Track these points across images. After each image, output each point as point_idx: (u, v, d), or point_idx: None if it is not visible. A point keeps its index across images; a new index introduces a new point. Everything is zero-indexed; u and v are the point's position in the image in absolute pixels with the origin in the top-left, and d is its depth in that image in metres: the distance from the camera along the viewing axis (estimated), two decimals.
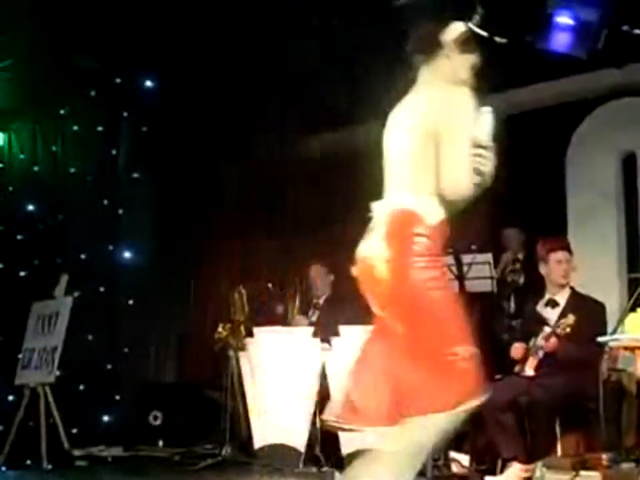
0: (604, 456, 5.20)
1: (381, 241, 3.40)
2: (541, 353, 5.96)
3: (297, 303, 7.50)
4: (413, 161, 3.41)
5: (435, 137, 3.33)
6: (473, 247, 7.02)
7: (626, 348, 4.44)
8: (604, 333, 5.14)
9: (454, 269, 6.87)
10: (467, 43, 3.51)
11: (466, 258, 6.88)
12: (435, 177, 3.36)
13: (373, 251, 3.41)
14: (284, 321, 7.46)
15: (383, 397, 3.33)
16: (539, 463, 5.65)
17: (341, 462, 6.12)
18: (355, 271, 3.50)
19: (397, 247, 3.35)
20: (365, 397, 3.37)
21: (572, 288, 6.21)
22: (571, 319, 5.83)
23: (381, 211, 3.49)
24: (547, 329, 5.95)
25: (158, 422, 8.06)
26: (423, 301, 3.35)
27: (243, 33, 7.89)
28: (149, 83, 8.96)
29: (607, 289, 7.03)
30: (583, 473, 5.20)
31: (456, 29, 3.49)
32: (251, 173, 9.11)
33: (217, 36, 7.95)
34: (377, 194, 3.53)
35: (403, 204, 3.42)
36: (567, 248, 6.17)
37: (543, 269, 6.22)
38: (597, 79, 7.66)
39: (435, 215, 3.38)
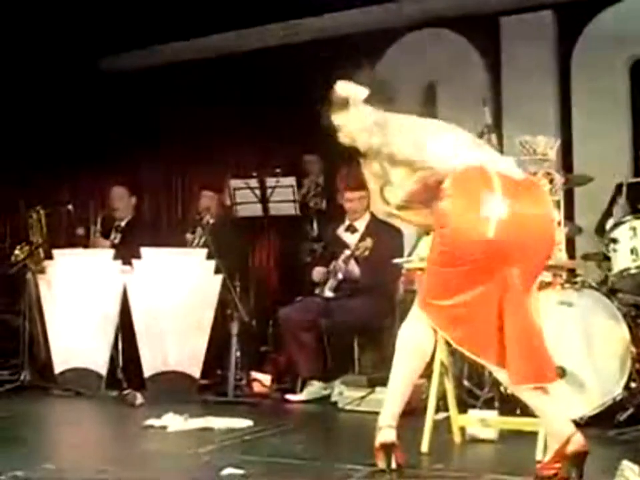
0: None
1: (551, 202, 3.64)
2: (340, 275, 6.13)
3: (99, 225, 7.35)
4: None
5: None
6: (277, 171, 7.07)
7: (421, 269, 4.60)
8: (401, 256, 5.32)
9: (258, 192, 6.94)
10: None
11: (270, 181, 6.94)
12: None
13: (550, 212, 3.60)
14: (85, 243, 7.30)
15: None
16: (338, 381, 5.85)
17: (142, 384, 6.12)
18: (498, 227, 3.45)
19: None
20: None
21: (372, 214, 6.39)
22: (369, 242, 6.04)
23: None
24: (347, 252, 6.13)
25: None
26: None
27: None
28: None
29: None
30: (378, 389, 5.41)
31: None
32: (46, 92, 8.75)
33: None
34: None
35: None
36: (359, 187, 6.16)
37: (340, 200, 6.38)
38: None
39: None
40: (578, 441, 3.36)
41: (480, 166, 3.50)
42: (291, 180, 6.95)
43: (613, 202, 5.74)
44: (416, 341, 3.68)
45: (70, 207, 7.23)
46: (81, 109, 8.72)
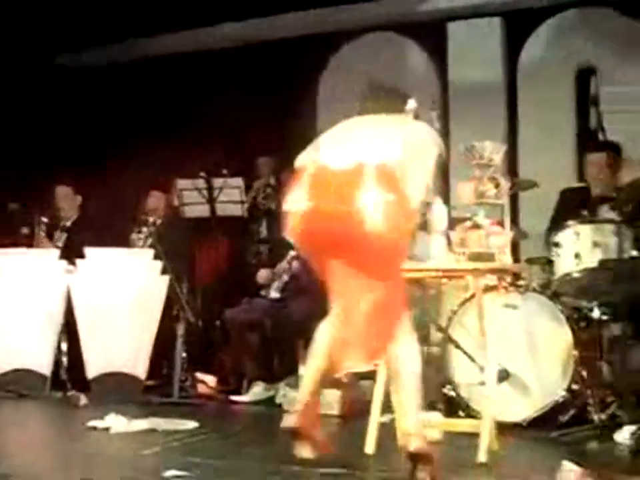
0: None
1: (376, 195, 3.46)
2: (285, 277, 6.14)
3: (43, 224, 7.25)
4: None
5: None
6: (224, 172, 7.04)
7: None
8: None
9: (205, 192, 6.91)
10: None
11: (217, 182, 6.91)
12: None
13: (367, 204, 3.45)
14: (29, 243, 7.20)
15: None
16: (282, 382, 5.84)
17: (86, 386, 6.06)
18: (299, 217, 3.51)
19: (391, 202, 3.47)
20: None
21: None
22: None
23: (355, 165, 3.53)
24: (292, 253, 6.13)
25: None
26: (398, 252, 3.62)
27: None
28: None
29: None
30: (324, 390, 5.41)
31: None
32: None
33: None
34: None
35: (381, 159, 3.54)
36: None
37: None
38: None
39: None
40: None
41: (303, 163, 3.67)
42: (238, 181, 6.93)
43: (558, 211, 5.79)
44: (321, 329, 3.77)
45: (14, 205, 7.13)
46: (29, 104, 8.59)
